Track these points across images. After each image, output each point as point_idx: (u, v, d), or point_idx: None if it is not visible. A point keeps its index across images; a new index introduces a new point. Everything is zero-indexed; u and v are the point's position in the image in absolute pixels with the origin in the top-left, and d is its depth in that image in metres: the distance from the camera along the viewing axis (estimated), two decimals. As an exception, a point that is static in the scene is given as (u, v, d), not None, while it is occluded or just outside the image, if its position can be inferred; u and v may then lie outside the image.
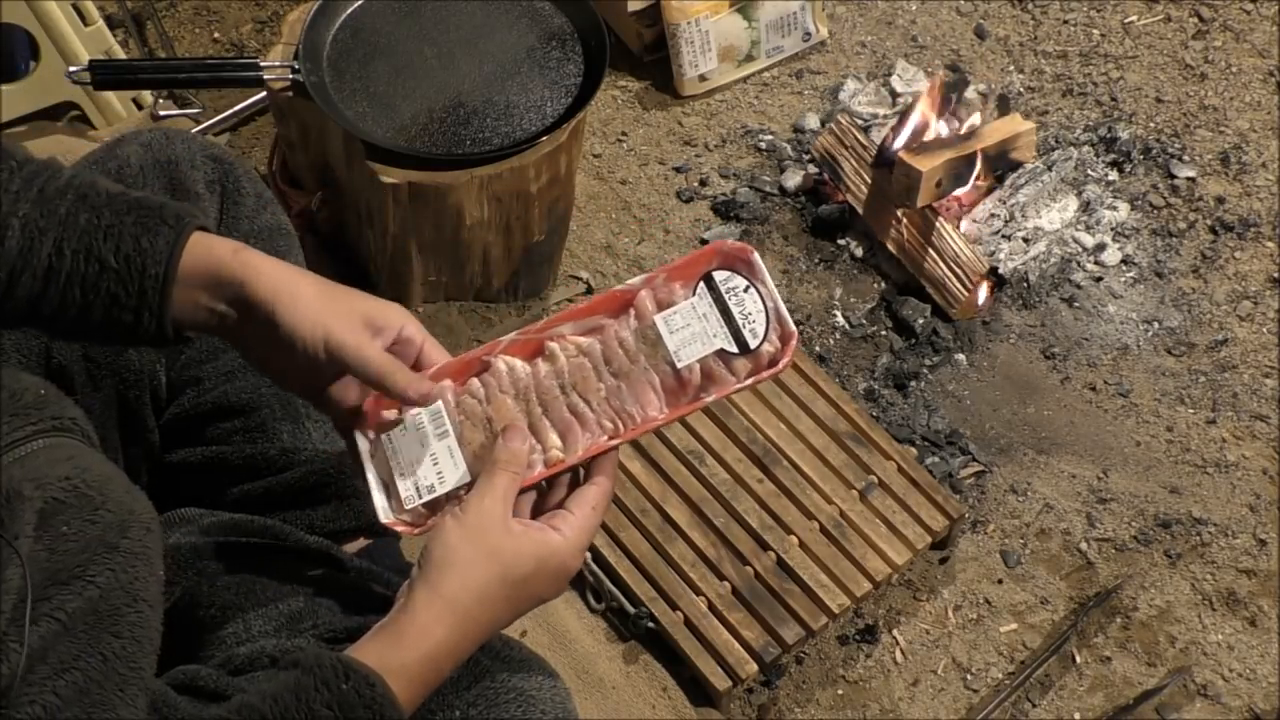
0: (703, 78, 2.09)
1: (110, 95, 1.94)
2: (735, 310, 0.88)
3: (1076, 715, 1.49)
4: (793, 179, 1.98)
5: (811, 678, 1.50)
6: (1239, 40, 2.23)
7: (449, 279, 1.75)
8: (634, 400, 0.87)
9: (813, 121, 2.07)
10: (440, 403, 0.88)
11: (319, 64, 1.58)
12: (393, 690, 0.77)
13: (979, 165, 1.83)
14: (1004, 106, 2.03)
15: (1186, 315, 1.87)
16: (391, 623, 0.80)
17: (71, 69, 1.54)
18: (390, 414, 0.89)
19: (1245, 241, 1.95)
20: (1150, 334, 1.85)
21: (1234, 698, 1.51)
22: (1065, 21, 2.26)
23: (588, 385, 0.88)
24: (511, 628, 0.89)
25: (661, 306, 0.89)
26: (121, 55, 1.97)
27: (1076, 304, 1.87)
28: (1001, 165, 1.90)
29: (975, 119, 1.91)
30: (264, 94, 1.91)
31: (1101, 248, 1.92)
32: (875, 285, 1.87)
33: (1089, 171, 2.00)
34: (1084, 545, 1.63)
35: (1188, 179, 2.02)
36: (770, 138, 2.05)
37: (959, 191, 1.86)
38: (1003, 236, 1.88)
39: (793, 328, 0.87)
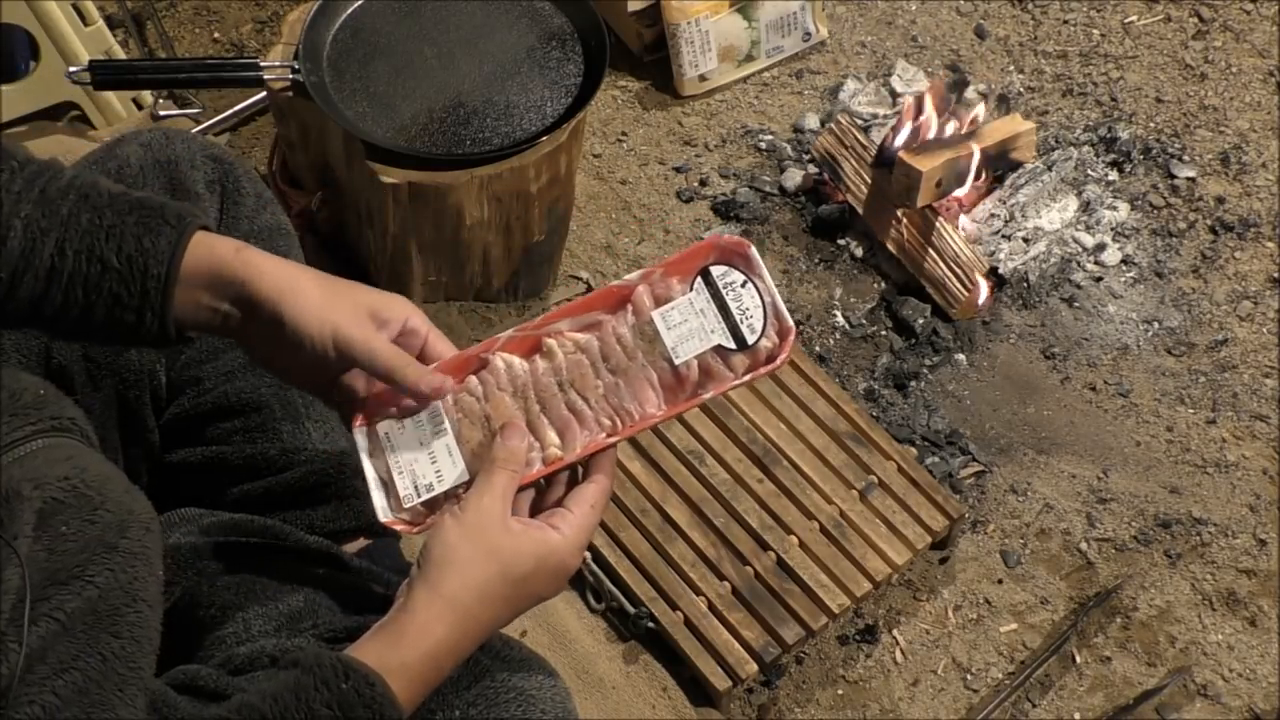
0: (703, 78, 2.09)
1: (110, 95, 1.94)
2: (733, 306, 0.88)
3: (1076, 715, 1.49)
4: (793, 179, 1.98)
5: (811, 678, 1.50)
6: (1239, 40, 2.23)
7: (449, 279, 1.75)
8: (632, 397, 0.87)
9: (813, 121, 2.07)
10: (438, 401, 0.88)
11: (319, 64, 1.58)
12: (392, 689, 0.77)
13: (976, 163, 1.83)
14: (1004, 106, 2.03)
15: (1186, 315, 1.87)
16: (391, 622, 0.80)
17: (71, 69, 1.54)
18: (389, 412, 0.89)
19: (1245, 241, 1.95)
20: (1150, 334, 1.85)
21: (1234, 698, 1.51)
22: (1065, 21, 2.26)
23: (586, 383, 0.88)
24: (511, 627, 0.89)
25: (659, 302, 0.89)
26: (121, 55, 1.97)
27: (1076, 304, 1.87)
28: (1001, 165, 1.90)
29: (976, 116, 1.91)
30: (264, 94, 1.91)
31: (1101, 248, 1.92)
32: (875, 285, 1.87)
33: (1089, 171, 2.00)
34: (1084, 545, 1.63)
35: (1188, 179, 2.02)
36: (770, 138, 2.05)
37: (959, 191, 1.86)
38: (1003, 236, 1.88)
39: (790, 323, 0.87)
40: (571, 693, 0.98)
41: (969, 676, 1.52)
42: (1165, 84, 2.16)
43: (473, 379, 0.89)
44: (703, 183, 1.99)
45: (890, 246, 1.86)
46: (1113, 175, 2.02)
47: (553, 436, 0.86)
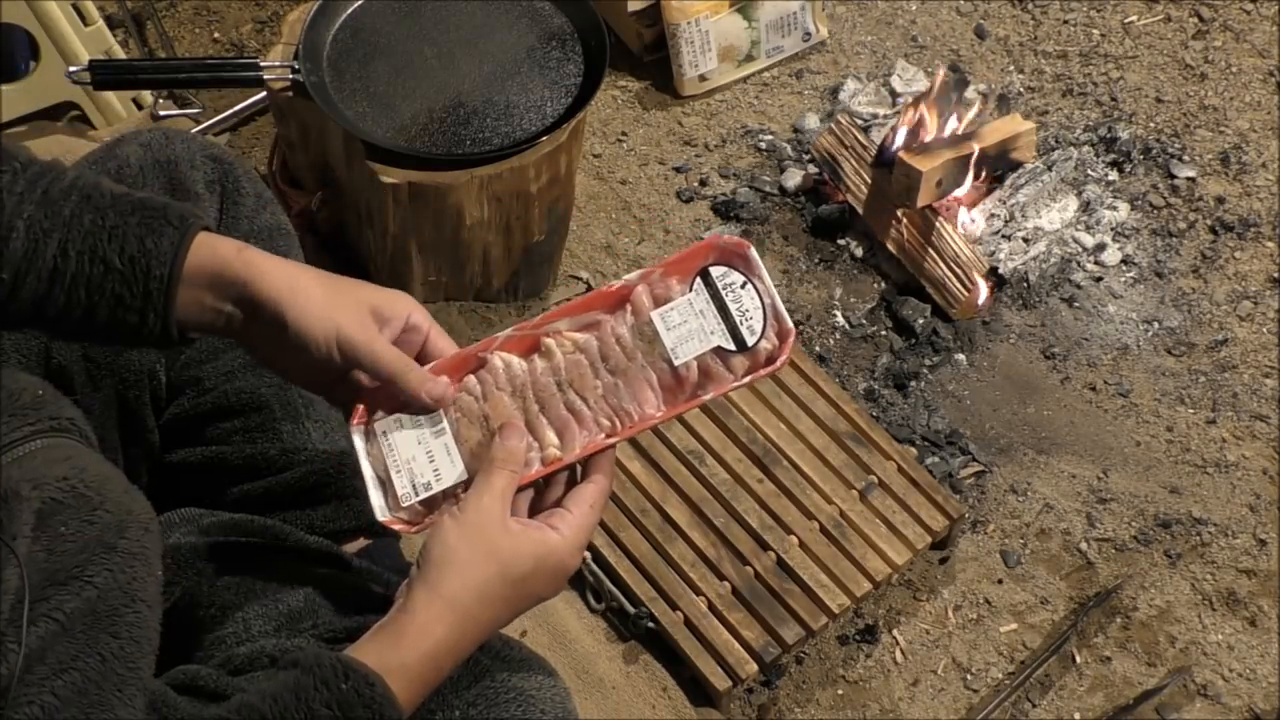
0: (703, 78, 2.09)
1: (110, 95, 1.94)
2: (732, 307, 0.88)
3: (1076, 715, 1.49)
4: (793, 179, 1.98)
5: (811, 678, 1.50)
6: (1239, 40, 2.23)
7: (449, 279, 1.75)
8: (631, 398, 0.87)
9: (813, 121, 2.07)
10: None
11: (319, 64, 1.58)
12: (392, 690, 0.77)
13: (974, 162, 1.83)
14: (1004, 106, 2.03)
15: (1186, 315, 1.87)
16: (391, 622, 0.80)
17: (71, 69, 1.54)
18: (388, 411, 0.89)
19: (1245, 241, 1.95)
20: (1150, 334, 1.85)
21: (1234, 698, 1.51)
22: (1065, 21, 2.26)
23: (585, 383, 0.88)
24: (511, 628, 0.89)
25: (658, 302, 0.89)
26: (121, 55, 1.97)
27: (1076, 304, 1.87)
28: (1001, 165, 1.90)
29: (975, 115, 1.91)
30: (264, 94, 1.91)
31: (1101, 248, 1.92)
32: (875, 285, 1.87)
33: (1089, 171, 2.00)
34: (1084, 545, 1.63)
35: (1188, 179, 2.02)
36: (770, 138, 2.05)
37: (959, 191, 1.86)
38: (1003, 236, 1.88)
39: (790, 325, 0.87)
40: (571, 693, 0.98)
41: (969, 676, 1.52)
42: (1165, 84, 2.16)
43: (471, 378, 0.89)
44: (703, 183, 1.99)
45: (890, 246, 1.86)
46: (1113, 175, 2.02)
47: (551, 437, 0.86)
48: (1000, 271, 1.85)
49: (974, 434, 1.73)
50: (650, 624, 1.47)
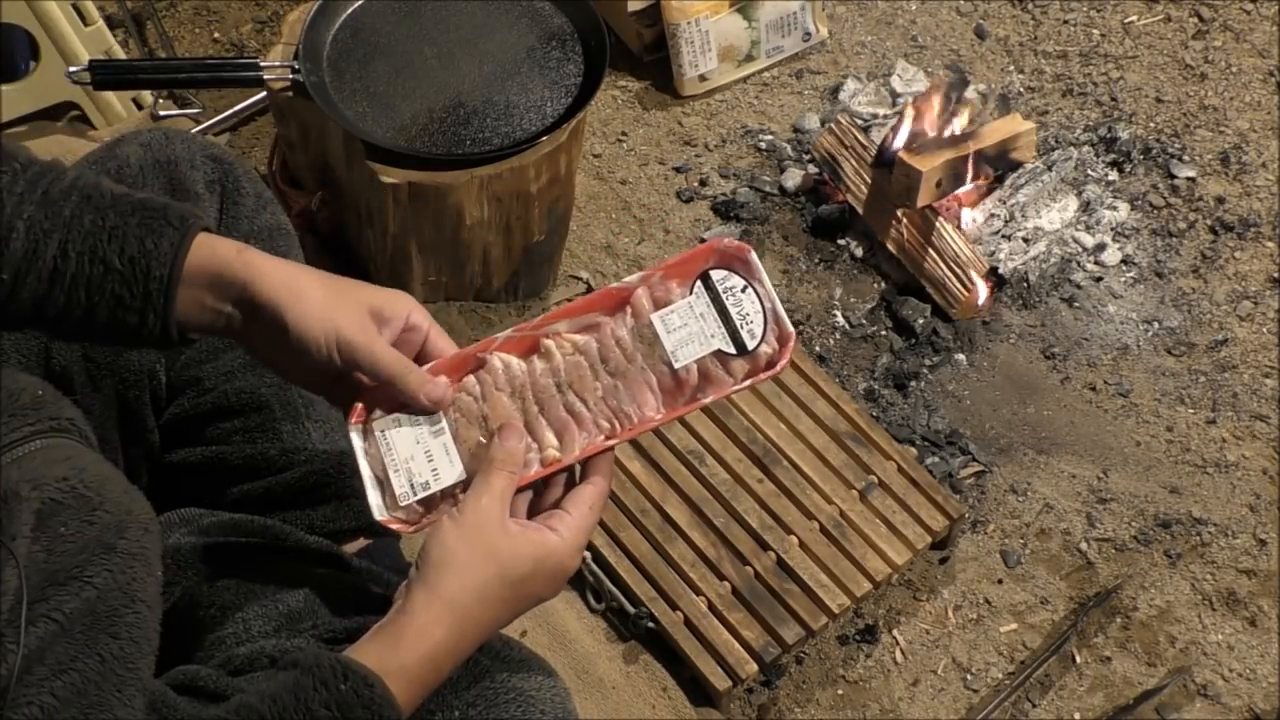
0: (703, 78, 2.09)
1: (110, 95, 1.94)
2: (733, 310, 0.88)
3: (1076, 715, 1.49)
4: (793, 179, 1.98)
5: (811, 678, 1.50)
6: (1239, 40, 2.23)
7: (449, 279, 1.75)
8: (631, 400, 0.87)
9: (813, 121, 2.07)
10: None
11: (319, 64, 1.58)
12: (391, 691, 0.77)
13: (973, 162, 1.83)
14: (1004, 106, 2.03)
15: (1186, 315, 1.87)
16: (390, 623, 0.80)
17: (71, 69, 1.54)
18: (386, 410, 0.89)
19: (1245, 241, 1.95)
20: (1150, 334, 1.85)
21: (1234, 698, 1.51)
22: (1065, 21, 2.26)
23: (584, 384, 0.88)
24: (511, 628, 0.89)
25: (658, 305, 0.89)
26: (121, 55, 1.97)
27: (1076, 304, 1.87)
28: (1001, 165, 1.90)
29: (973, 116, 1.91)
30: (264, 94, 1.91)
31: (1101, 248, 1.92)
32: (875, 285, 1.87)
33: (1089, 171, 2.00)
34: (1084, 545, 1.63)
35: (1188, 179, 2.02)
36: (770, 138, 2.05)
37: (959, 191, 1.86)
38: (1003, 236, 1.88)
39: (790, 329, 0.87)
40: (571, 693, 0.98)
41: (969, 676, 1.52)
42: (1165, 84, 2.16)
43: (470, 379, 0.89)
44: (703, 183, 1.99)
45: (890, 246, 1.86)
46: (1113, 175, 2.02)
47: (551, 438, 0.86)
48: (1000, 271, 1.85)
49: (974, 434, 1.73)
50: (650, 624, 1.47)
